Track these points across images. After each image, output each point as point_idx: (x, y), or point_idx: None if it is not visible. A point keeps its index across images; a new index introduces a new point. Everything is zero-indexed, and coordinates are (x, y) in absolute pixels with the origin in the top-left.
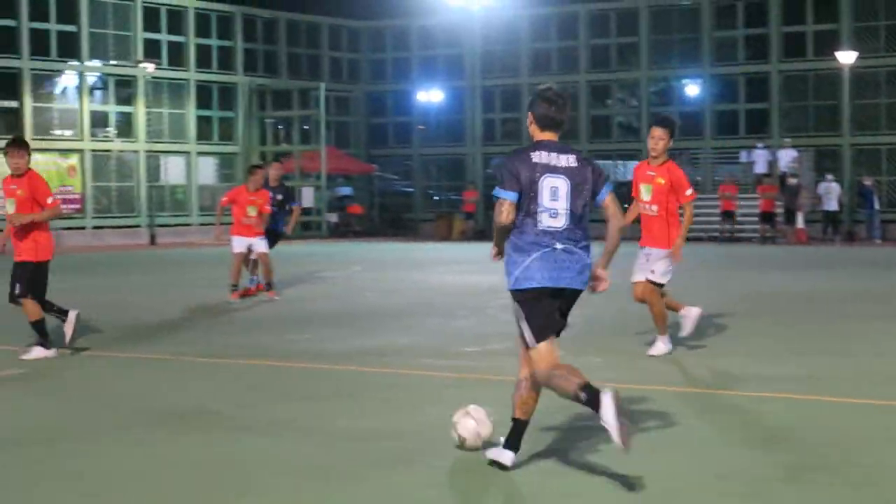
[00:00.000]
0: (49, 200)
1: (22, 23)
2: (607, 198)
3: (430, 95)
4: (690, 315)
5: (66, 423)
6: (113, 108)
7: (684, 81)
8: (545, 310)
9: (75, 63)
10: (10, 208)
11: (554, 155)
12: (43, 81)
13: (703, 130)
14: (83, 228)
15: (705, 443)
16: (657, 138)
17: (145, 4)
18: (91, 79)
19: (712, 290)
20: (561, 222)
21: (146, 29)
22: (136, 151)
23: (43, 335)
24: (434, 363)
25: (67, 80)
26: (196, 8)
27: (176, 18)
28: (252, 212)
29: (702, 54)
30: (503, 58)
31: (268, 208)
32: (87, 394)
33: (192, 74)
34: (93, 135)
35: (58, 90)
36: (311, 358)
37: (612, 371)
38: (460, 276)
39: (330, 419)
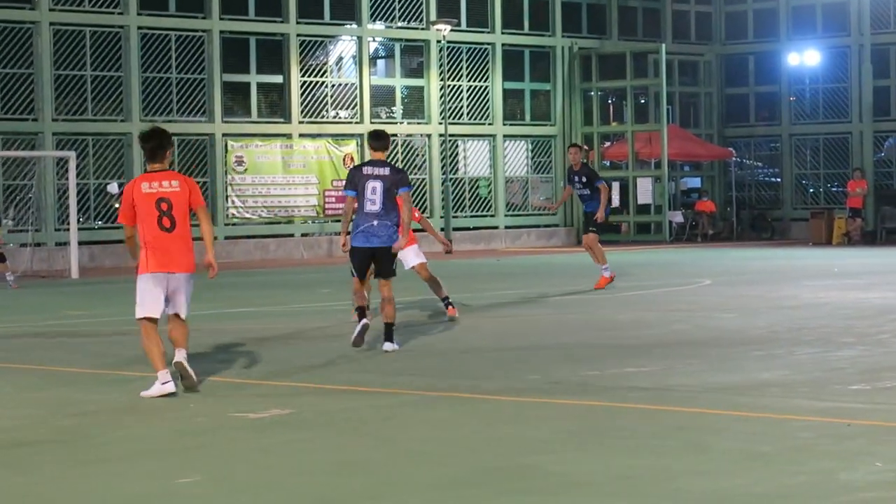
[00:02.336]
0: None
1: None
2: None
3: (805, 57)
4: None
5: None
6: (399, 82)
7: None
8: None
9: (353, 26)
10: None
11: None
12: (313, 50)
13: None
14: None
15: None
16: None
17: None
18: (372, 45)
19: None
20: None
21: None
22: (427, 135)
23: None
24: (806, 405)
25: (343, 47)
26: None
27: None
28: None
29: None
30: None
31: (417, 216)
32: (397, 437)
33: (497, 37)
34: (375, 115)
35: (331, 60)
36: (649, 397)
37: None
38: (843, 292)
39: (678, 477)
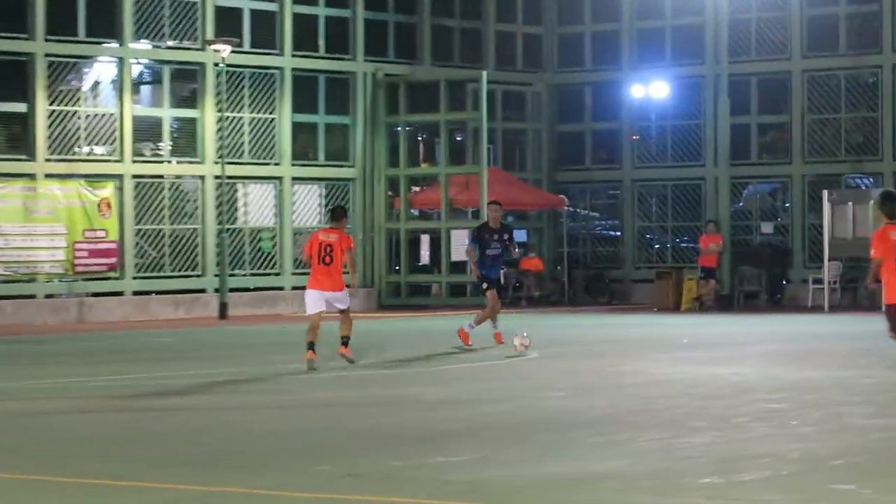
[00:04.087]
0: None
1: None
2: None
3: (651, 89)
4: None
5: None
6: (168, 113)
7: None
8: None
9: (113, 45)
10: None
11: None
12: (64, 73)
13: None
14: (120, 294)
15: None
16: None
17: None
18: (136, 69)
19: None
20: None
21: None
22: (200, 177)
23: None
24: (650, 502)
25: (101, 70)
26: None
27: None
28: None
29: None
30: (765, 31)
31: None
32: None
33: (286, 60)
34: (137, 152)
35: (86, 86)
36: (464, 491)
37: None
38: (694, 366)
39: None
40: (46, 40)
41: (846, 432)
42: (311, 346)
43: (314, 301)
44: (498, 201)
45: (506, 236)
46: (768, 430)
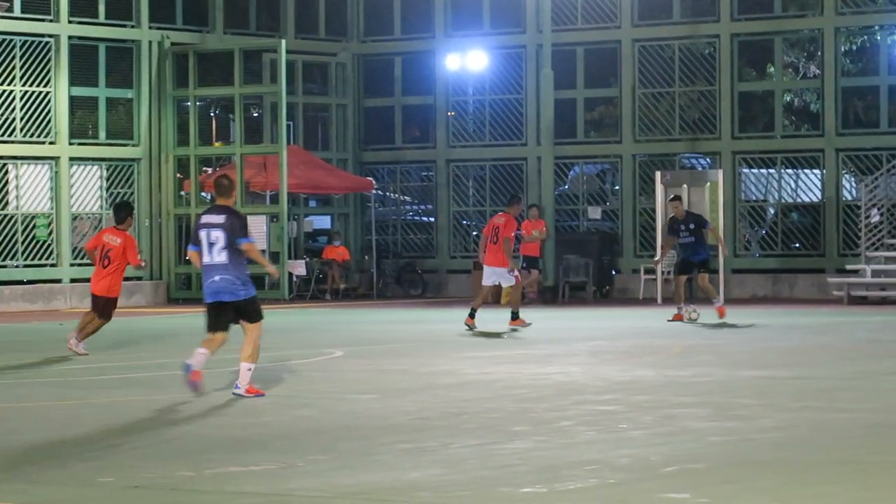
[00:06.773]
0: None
1: None
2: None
3: (468, 60)
4: None
5: None
6: None
7: None
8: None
9: None
10: None
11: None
12: None
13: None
14: None
15: None
16: None
17: None
18: None
19: None
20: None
21: None
22: None
23: None
24: None
25: None
26: None
27: None
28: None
29: None
30: None
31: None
32: None
33: (62, 27)
34: None
35: None
36: None
37: None
38: (515, 365)
39: None
40: None
41: (681, 436)
42: (472, 313)
43: (487, 276)
44: (679, 196)
45: (692, 226)
46: (596, 434)
